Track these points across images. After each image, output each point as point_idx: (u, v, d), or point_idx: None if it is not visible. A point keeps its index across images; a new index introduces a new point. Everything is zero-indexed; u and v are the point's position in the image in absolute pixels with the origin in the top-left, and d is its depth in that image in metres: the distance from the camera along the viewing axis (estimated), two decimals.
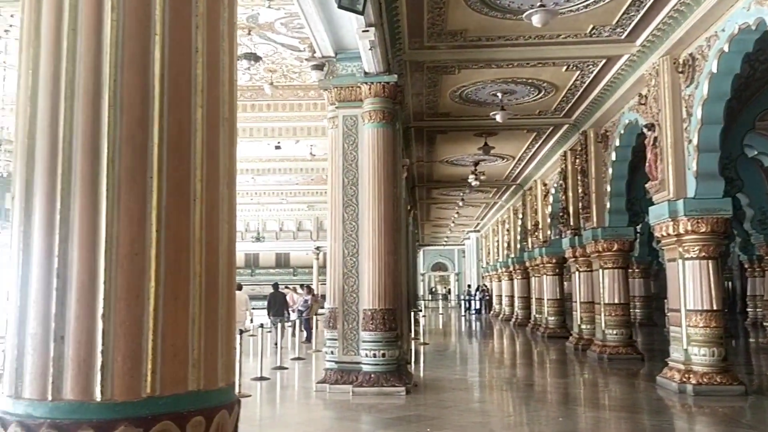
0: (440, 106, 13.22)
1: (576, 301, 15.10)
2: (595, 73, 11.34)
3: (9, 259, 1.51)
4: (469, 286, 38.63)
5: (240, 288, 14.27)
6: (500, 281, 30.18)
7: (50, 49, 1.50)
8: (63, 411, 1.38)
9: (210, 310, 1.56)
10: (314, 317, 18.09)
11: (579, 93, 12.43)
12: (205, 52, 1.60)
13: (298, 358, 13.64)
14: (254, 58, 11.37)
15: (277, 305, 17.20)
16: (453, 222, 33.81)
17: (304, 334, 17.21)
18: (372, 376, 9.00)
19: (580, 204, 14.15)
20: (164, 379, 1.44)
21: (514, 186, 22.62)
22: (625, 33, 9.71)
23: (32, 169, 1.48)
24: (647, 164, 10.01)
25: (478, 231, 39.43)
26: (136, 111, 1.48)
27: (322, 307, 14.83)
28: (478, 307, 33.97)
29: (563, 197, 15.64)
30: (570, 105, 13.23)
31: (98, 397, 1.39)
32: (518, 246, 23.60)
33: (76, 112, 1.47)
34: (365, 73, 9.35)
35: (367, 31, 7.55)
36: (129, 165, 1.46)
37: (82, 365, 1.39)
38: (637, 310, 23.06)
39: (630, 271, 16.72)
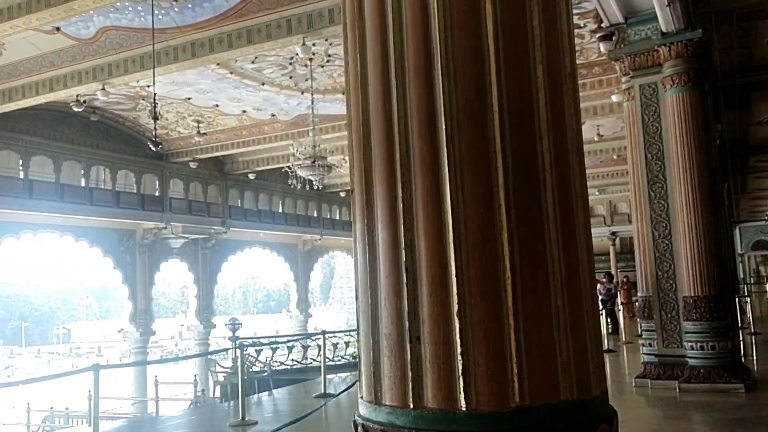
0: (756, 58, 11.39)
1: None
2: None
3: (355, 256, 1.43)
4: None
5: None
6: None
7: (375, 24, 1.39)
8: (427, 421, 1.24)
9: (573, 303, 1.30)
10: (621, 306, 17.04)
11: None
12: None
13: (608, 350, 12.86)
14: None
15: None
16: None
17: (610, 325, 16.31)
18: (701, 371, 7.98)
19: None
20: (532, 386, 1.22)
21: None
22: None
23: (370, 158, 1.39)
24: None
25: None
26: (471, 77, 1.29)
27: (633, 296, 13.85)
28: None
29: None
30: None
31: (463, 406, 1.21)
32: None
33: (408, 88, 1.33)
34: (662, 33, 8.38)
35: None
36: (469, 140, 1.28)
37: (442, 369, 1.24)
38: None
39: None
